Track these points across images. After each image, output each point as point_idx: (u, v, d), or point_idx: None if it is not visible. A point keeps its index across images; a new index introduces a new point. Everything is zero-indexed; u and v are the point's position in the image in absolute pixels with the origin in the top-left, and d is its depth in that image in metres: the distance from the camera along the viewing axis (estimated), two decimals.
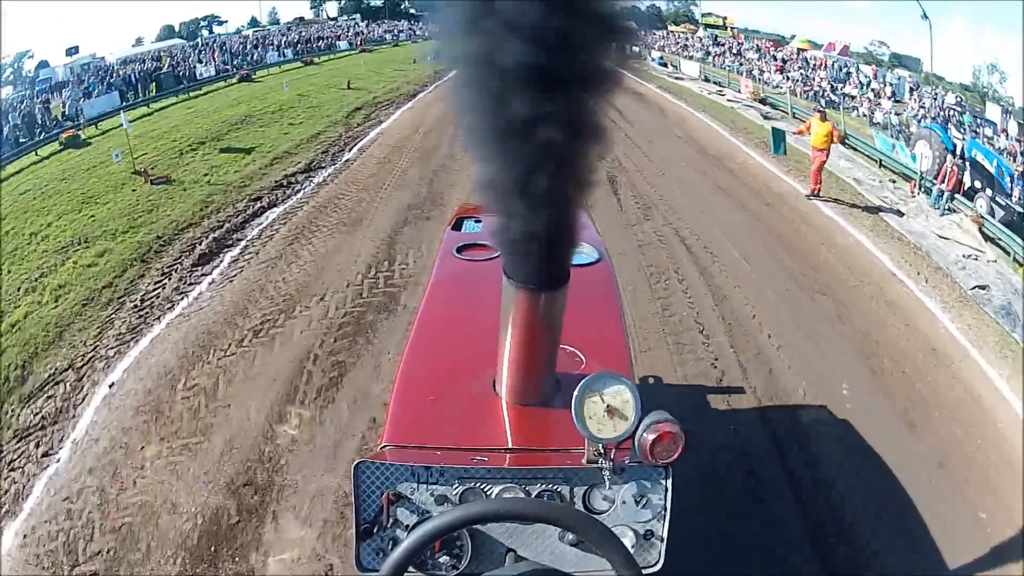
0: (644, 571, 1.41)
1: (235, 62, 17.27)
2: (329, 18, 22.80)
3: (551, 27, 0.93)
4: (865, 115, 13.80)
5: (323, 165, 10.33)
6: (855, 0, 17.19)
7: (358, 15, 23.50)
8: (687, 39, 22.03)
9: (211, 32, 18.94)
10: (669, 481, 1.47)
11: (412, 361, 1.97)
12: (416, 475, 1.45)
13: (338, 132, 12.33)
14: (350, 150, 11.20)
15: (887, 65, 14.89)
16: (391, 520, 1.46)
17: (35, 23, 13.09)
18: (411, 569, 1.25)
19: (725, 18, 21.26)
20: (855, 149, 11.64)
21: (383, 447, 1.62)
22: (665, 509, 1.49)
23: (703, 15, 21.77)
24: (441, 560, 1.44)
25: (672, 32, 22.61)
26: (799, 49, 17.73)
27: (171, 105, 14.26)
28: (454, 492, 1.46)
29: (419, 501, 1.46)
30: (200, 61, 16.50)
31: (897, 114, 13.09)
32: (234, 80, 16.38)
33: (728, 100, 16.09)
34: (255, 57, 17.96)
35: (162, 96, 14.48)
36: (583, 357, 1.88)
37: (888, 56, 15.12)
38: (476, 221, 3.03)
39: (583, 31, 0.97)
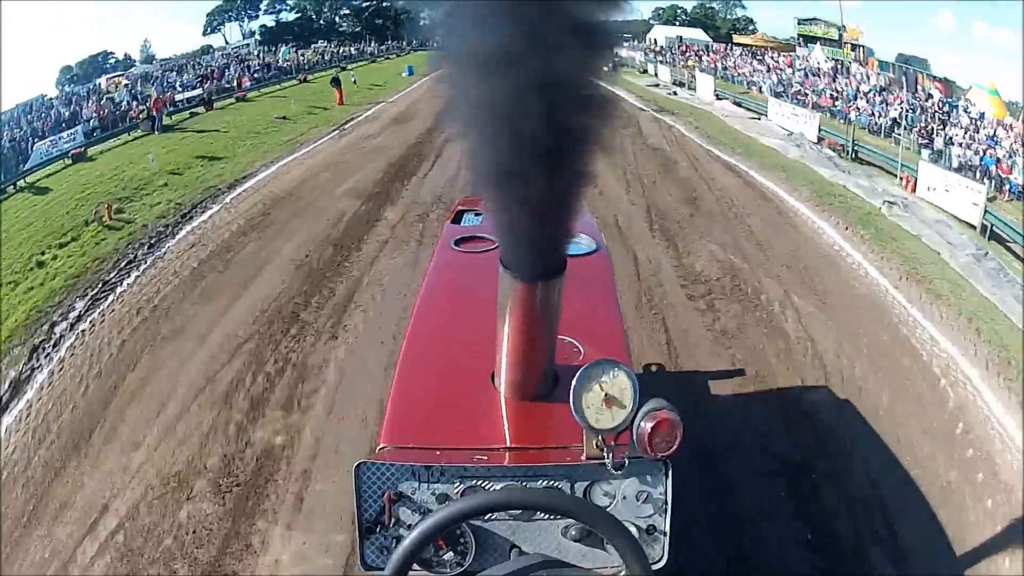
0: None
1: None
2: (211, 47, 18.62)
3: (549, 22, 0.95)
4: None
5: None
6: None
7: (253, 38, 19.31)
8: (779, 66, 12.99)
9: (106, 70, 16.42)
10: (669, 476, 1.47)
11: (409, 356, 2.00)
12: (416, 475, 1.47)
13: None
14: None
15: None
16: (393, 519, 1.48)
17: None
18: (416, 568, 1.33)
19: (843, 27, 13.08)
20: None
21: (381, 448, 1.63)
22: (667, 504, 1.48)
23: (800, 22, 14.16)
24: (445, 557, 1.46)
25: (738, 47, 13.91)
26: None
27: None
28: (455, 491, 1.47)
29: (421, 500, 1.48)
30: None
31: None
32: None
33: None
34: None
35: None
36: (581, 348, 1.89)
37: None
38: (476, 214, 3.02)
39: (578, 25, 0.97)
